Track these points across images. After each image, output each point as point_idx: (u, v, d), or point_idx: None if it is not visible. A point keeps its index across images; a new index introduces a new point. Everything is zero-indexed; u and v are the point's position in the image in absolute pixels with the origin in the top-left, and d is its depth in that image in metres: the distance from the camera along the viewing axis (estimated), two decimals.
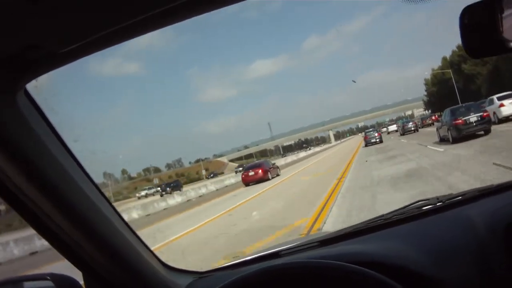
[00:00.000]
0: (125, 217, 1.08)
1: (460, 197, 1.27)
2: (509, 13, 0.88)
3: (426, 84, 60.20)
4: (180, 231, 10.03)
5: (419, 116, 70.65)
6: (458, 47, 43.55)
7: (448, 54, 49.14)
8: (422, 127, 32.45)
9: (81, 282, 1.08)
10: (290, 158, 54.35)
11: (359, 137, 67.93)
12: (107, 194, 0.99)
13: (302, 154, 61.63)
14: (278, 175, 23.14)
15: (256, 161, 28.66)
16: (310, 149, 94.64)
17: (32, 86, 0.81)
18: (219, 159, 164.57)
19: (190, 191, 25.86)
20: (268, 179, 21.16)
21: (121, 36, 0.72)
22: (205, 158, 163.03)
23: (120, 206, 26.18)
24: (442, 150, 12.36)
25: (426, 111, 60.93)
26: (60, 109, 0.91)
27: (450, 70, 42.69)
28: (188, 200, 22.88)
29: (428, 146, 14.84)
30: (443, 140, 15.05)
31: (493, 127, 14.09)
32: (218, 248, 6.77)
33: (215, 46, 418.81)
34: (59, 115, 0.91)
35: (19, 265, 11.53)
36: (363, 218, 2.37)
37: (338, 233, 1.32)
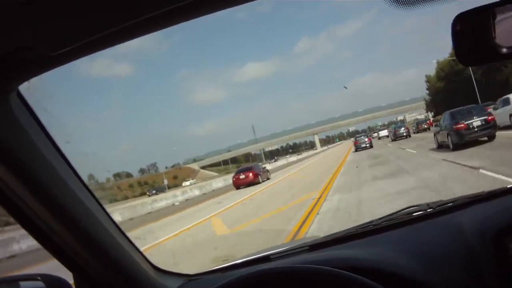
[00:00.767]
0: None
1: (450, 204, 1.27)
2: (501, 19, 0.88)
3: (427, 82, 49.20)
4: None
5: (412, 120, 65.23)
6: None
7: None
8: (418, 132, 29.58)
9: (71, 282, 1.08)
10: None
11: (349, 143, 59.77)
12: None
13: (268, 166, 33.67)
14: (268, 178, 23.01)
15: (248, 164, 27.81)
16: (276, 160, 75.50)
17: (24, 88, 0.81)
18: (189, 165, 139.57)
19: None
20: (258, 182, 21.00)
21: (113, 39, 0.73)
22: (177, 164, 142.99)
23: None
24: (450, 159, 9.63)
25: (428, 113, 50.14)
26: (53, 110, 0.92)
27: None
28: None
29: (429, 155, 12.42)
30: (441, 147, 13.16)
31: (505, 133, 12.22)
32: None
33: (204, 48, 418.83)
34: (52, 117, 0.91)
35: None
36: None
37: (329, 238, 1.33)
